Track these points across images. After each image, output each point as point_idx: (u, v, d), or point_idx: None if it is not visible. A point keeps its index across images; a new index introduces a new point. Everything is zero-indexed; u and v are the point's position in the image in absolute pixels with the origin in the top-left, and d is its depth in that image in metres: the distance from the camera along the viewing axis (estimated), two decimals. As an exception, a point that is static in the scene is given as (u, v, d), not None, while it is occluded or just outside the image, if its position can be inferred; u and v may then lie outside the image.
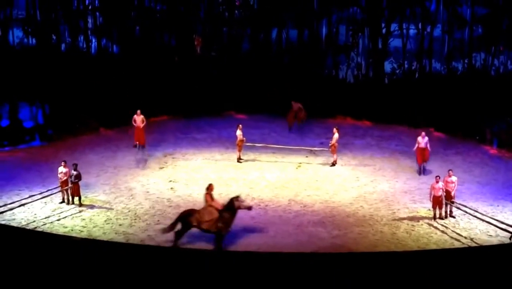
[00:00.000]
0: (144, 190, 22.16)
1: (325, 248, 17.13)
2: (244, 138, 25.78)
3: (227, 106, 34.63)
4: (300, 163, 25.59)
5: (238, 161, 25.69)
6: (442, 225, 18.93)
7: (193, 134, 29.91)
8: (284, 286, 10.80)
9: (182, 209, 20.13)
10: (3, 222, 18.21)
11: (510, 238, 17.55)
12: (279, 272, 11.25)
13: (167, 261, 11.92)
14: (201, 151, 27.22)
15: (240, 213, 19.77)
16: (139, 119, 26.36)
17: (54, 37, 35.23)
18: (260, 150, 26.58)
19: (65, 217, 19.33)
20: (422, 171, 24.25)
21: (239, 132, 25.64)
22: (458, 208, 19.70)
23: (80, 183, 20.51)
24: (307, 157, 26.38)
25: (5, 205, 19.56)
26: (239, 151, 25.80)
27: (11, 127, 29.79)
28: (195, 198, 21.37)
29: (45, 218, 19.15)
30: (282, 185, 23.01)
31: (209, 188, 17.91)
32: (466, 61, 35.47)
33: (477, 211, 19.31)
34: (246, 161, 25.78)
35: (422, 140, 24.05)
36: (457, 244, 17.55)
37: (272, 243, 17.35)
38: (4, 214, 19.00)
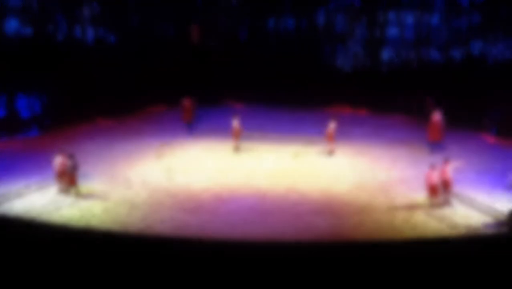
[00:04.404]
0: (141, 179, 22.14)
1: (323, 236, 17.16)
2: (241, 128, 25.76)
3: (225, 95, 34.59)
4: (298, 152, 25.58)
5: (235, 150, 25.68)
6: (439, 214, 18.96)
7: (191, 124, 29.88)
8: (282, 275, 10.82)
9: (179, 198, 20.23)
10: (0, 213, 18.22)
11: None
12: (277, 261, 11.26)
13: (165, 250, 11.94)
14: (199, 141, 27.21)
15: (239, 202, 19.87)
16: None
17: (50, 26, 35.06)
18: (257, 139, 26.57)
19: (63, 207, 19.33)
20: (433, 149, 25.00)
21: (236, 122, 25.61)
22: (455, 197, 19.72)
23: (77, 173, 20.49)
24: (304, 146, 26.35)
25: (2, 195, 19.55)
26: (236, 140, 25.78)
27: (8, 117, 29.70)
28: (193, 187, 21.41)
29: (43, 208, 19.14)
30: (280, 174, 23.01)
31: None
32: (464, 49, 35.37)
33: (474, 200, 19.33)
34: (244, 150, 25.77)
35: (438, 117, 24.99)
36: (454, 233, 17.58)
37: (270, 232, 17.36)
38: (1, 204, 18.99)
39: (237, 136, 25.72)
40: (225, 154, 25.37)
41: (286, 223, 18.23)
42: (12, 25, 34.54)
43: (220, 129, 28.63)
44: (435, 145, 25.26)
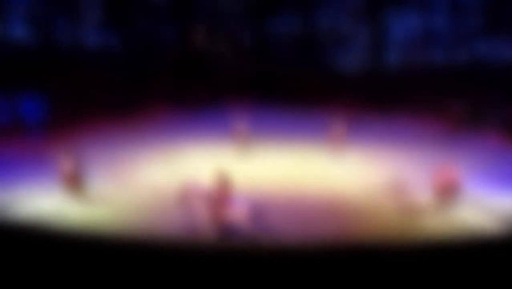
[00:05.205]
0: (148, 182, 22.11)
1: (330, 240, 17.07)
2: (247, 130, 25.72)
3: (229, 97, 34.55)
4: (304, 155, 25.53)
5: (240, 153, 25.64)
6: (447, 216, 18.86)
7: (196, 127, 29.85)
8: (289, 280, 10.77)
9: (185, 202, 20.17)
10: (5, 218, 18.20)
11: None
12: (284, 265, 11.21)
13: (172, 253, 11.90)
14: (204, 142, 27.17)
15: (244, 206, 19.78)
16: None
17: (54, 30, 35.16)
18: (263, 142, 26.53)
19: (69, 210, 19.29)
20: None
21: (241, 125, 25.59)
22: (463, 199, 19.62)
23: (83, 175, 20.47)
24: (310, 148, 26.30)
25: (8, 199, 19.52)
26: (242, 143, 25.75)
27: (13, 121, 29.73)
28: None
29: (48, 212, 19.09)
30: (286, 177, 22.94)
31: None
32: (469, 50, 35.28)
33: (482, 202, 19.23)
34: (249, 153, 25.73)
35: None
36: (461, 234, 17.48)
37: (275, 236, 17.29)
38: (7, 208, 18.96)
39: (243, 139, 25.68)
40: (230, 157, 25.31)
41: (292, 227, 18.14)
42: (16, 29, 34.64)
43: (226, 132, 28.60)
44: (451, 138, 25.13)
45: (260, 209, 18.15)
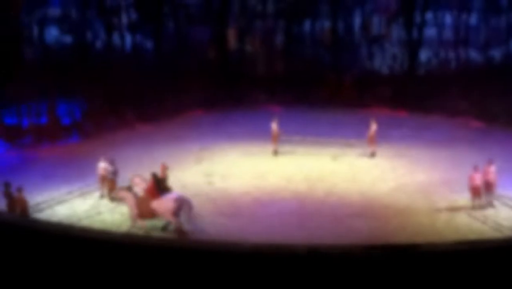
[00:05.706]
0: (181, 184, 22.16)
1: (362, 240, 17.00)
2: (280, 131, 25.72)
3: (263, 99, 34.64)
4: (337, 155, 25.45)
5: (274, 154, 25.66)
6: (482, 216, 18.64)
7: (229, 128, 29.98)
8: (320, 279, 10.76)
9: (219, 203, 20.24)
10: (43, 219, 18.49)
11: None
12: (316, 264, 11.20)
13: (205, 255, 11.96)
14: (238, 145, 27.25)
15: (278, 206, 19.82)
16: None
17: (89, 34, 35.69)
18: (296, 142, 26.50)
19: (104, 212, 19.53)
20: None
21: (274, 125, 25.60)
22: (498, 198, 19.40)
23: (117, 178, 20.69)
24: (343, 148, 26.20)
25: (45, 201, 19.86)
26: (275, 143, 25.76)
27: (49, 124, 30.18)
28: (232, 191, 21.42)
29: (84, 213, 19.36)
30: (319, 177, 22.91)
31: None
32: (503, 49, 34.85)
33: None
34: (282, 153, 25.74)
35: None
36: (497, 235, 17.27)
37: (308, 236, 17.28)
38: (44, 210, 19.28)
39: (276, 139, 25.69)
40: (264, 158, 25.36)
41: (325, 227, 18.11)
42: (52, 33, 35.22)
43: (259, 133, 28.66)
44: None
45: (189, 205, 17.94)
